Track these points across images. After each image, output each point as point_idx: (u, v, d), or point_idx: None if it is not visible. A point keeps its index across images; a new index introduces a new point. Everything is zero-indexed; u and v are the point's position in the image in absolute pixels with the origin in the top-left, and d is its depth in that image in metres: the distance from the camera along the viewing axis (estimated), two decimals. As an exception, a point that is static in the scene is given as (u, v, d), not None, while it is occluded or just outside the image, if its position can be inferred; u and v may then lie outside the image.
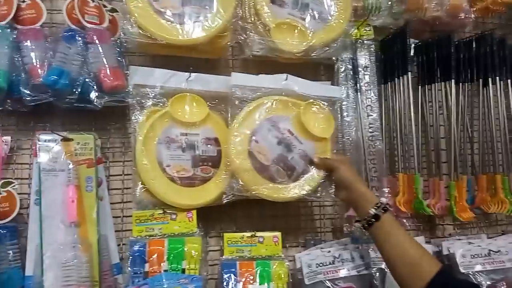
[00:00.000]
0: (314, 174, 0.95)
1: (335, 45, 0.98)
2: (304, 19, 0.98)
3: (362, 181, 0.94)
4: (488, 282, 0.98)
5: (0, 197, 0.90)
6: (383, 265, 1.02)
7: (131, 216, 0.99)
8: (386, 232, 0.84)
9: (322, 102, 0.98)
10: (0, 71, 0.85)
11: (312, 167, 0.95)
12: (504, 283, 0.97)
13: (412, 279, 0.79)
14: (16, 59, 0.88)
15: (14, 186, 0.93)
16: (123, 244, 0.99)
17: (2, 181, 0.92)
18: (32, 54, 0.87)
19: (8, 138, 0.96)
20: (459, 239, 1.10)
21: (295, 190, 0.93)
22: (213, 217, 1.03)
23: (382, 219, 0.85)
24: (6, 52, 0.87)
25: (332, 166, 0.93)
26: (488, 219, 1.19)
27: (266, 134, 0.93)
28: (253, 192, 0.90)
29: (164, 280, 0.86)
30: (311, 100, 0.97)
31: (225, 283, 0.92)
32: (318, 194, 0.95)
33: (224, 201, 0.96)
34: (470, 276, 0.99)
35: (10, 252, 0.88)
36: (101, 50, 0.86)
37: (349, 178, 0.90)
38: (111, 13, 0.97)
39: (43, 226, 0.88)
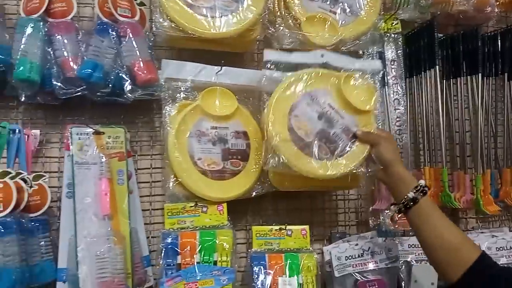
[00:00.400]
0: (357, 149, 0.90)
1: (365, 38, 0.98)
2: (334, 13, 0.98)
3: (401, 161, 0.89)
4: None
5: (32, 190, 0.90)
6: (409, 258, 1.03)
7: (159, 209, 1.01)
8: (424, 215, 0.80)
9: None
10: (33, 64, 0.86)
11: (355, 141, 0.90)
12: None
13: (450, 264, 0.75)
14: (48, 52, 0.88)
15: (45, 179, 0.93)
16: (152, 237, 1.00)
17: (33, 174, 0.92)
18: (64, 47, 0.88)
19: (37, 131, 0.96)
20: (482, 232, 1.12)
21: (338, 167, 0.88)
22: (239, 210, 1.04)
23: (421, 202, 0.81)
24: (39, 45, 0.87)
25: (375, 141, 0.88)
26: (510, 212, 1.20)
27: (305, 108, 0.88)
28: (294, 169, 0.85)
29: (197, 271, 0.87)
30: (351, 72, 0.93)
31: (255, 275, 0.93)
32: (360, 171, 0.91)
33: (253, 194, 0.97)
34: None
35: (43, 244, 0.89)
36: (134, 44, 0.87)
37: (389, 157, 0.86)
38: (139, 7, 0.97)
39: (76, 219, 0.88)
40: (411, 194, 0.82)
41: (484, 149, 1.12)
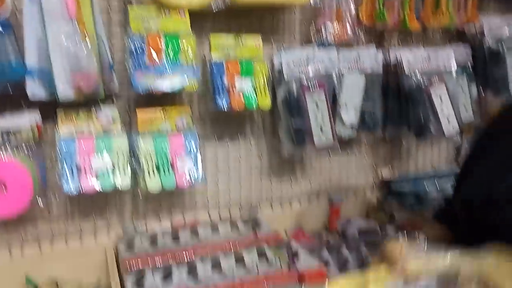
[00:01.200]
0: None
1: None
2: None
3: None
4: (426, 79, 1.23)
5: (-9, -5, 0.89)
6: (343, 71, 1.21)
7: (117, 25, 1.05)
8: None
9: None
10: None
11: None
12: (436, 77, 1.23)
13: None
14: None
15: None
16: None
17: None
18: None
19: None
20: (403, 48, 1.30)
21: None
22: (196, 28, 1.09)
23: None
24: None
25: None
26: (426, 35, 1.40)
27: None
28: None
29: (167, 68, 0.98)
30: None
31: (215, 77, 1.06)
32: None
33: (214, 10, 1.03)
34: (413, 76, 1.22)
35: (8, 43, 0.91)
36: None
37: None
38: None
39: (45, 20, 0.91)
40: None
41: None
